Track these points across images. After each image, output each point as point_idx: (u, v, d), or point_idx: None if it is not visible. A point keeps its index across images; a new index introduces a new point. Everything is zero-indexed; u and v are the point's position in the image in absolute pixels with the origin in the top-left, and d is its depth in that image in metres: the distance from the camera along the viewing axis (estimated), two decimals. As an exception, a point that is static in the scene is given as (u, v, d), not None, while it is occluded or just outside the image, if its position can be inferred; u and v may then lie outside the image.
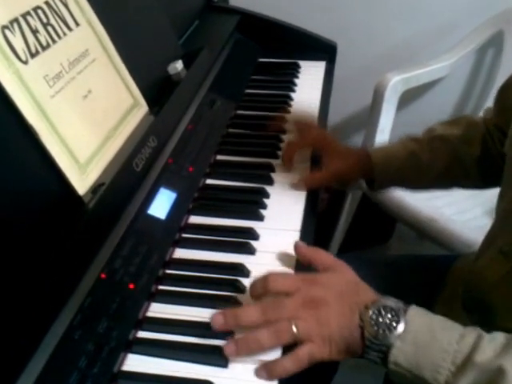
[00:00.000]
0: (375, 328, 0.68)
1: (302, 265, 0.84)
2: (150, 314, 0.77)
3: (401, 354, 0.66)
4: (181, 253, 0.88)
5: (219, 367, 0.70)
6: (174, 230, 0.90)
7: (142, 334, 0.74)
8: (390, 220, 2.00)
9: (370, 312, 0.69)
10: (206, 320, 0.74)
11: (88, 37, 0.86)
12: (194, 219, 0.95)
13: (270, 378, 0.69)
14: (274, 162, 1.10)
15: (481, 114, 1.06)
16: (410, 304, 0.70)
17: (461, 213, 1.66)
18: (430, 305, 0.98)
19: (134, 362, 0.70)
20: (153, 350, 0.71)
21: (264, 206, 0.97)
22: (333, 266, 0.77)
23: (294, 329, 0.68)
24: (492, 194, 0.94)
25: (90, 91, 0.82)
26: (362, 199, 1.91)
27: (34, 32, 0.74)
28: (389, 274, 1.06)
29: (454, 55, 1.96)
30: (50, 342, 0.63)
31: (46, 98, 0.72)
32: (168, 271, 0.84)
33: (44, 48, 0.75)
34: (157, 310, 0.78)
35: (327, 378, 1.26)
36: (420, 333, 0.67)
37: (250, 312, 0.71)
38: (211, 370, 0.69)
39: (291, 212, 0.96)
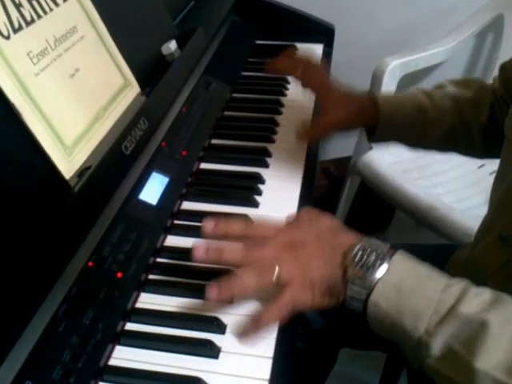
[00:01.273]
0: (358, 267, 0.66)
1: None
2: (139, 304, 0.74)
3: (382, 296, 0.65)
4: (173, 240, 0.85)
5: (210, 358, 0.67)
6: (166, 216, 0.86)
7: (130, 326, 0.70)
8: (389, 207, 1.99)
9: (355, 250, 0.68)
10: (199, 312, 0.72)
11: (76, 13, 0.82)
12: (187, 205, 0.91)
13: (257, 327, 0.68)
14: (269, 146, 1.07)
15: (490, 81, 1.03)
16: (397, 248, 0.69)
17: (461, 201, 1.64)
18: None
19: (122, 356, 0.67)
20: (141, 343, 0.68)
21: (259, 192, 0.94)
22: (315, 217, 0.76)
23: (277, 268, 0.67)
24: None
25: (77, 70, 0.78)
26: (361, 186, 1.89)
27: (18, 6, 0.69)
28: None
29: (454, 39, 1.94)
30: (31, 334, 0.60)
31: (30, 75, 0.68)
32: (159, 260, 0.81)
33: (28, 23, 0.71)
34: (146, 300, 0.74)
35: (326, 368, 1.24)
36: (404, 277, 0.65)
37: (233, 247, 0.70)
38: (201, 363, 0.66)
39: (287, 199, 0.94)
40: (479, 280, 0.80)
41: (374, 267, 0.65)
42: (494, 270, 0.79)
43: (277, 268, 0.67)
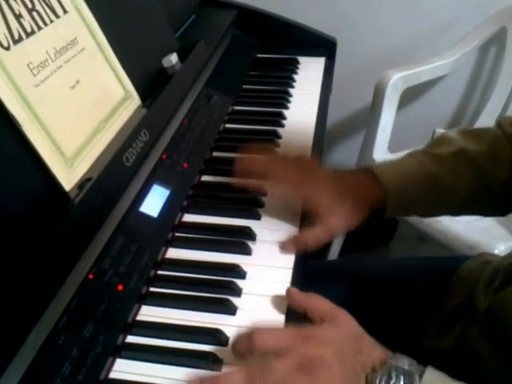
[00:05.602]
0: None
1: (299, 267, 0.81)
2: (139, 317, 0.73)
3: None
4: (174, 252, 0.84)
5: (213, 370, 0.65)
6: (167, 228, 0.86)
7: (131, 339, 0.70)
8: (392, 221, 1.98)
9: (379, 376, 0.59)
10: (200, 324, 0.71)
11: (76, 25, 0.82)
12: (189, 217, 0.91)
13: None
14: (272, 158, 1.05)
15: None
16: (424, 365, 0.61)
17: (464, 213, 1.63)
18: (438, 307, 0.93)
19: (123, 369, 0.66)
20: (143, 356, 0.67)
21: (261, 204, 0.93)
22: (331, 315, 0.66)
23: None
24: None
25: (78, 81, 0.78)
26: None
27: (18, 17, 0.70)
28: (393, 277, 1.02)
29: (456, 52, 1.95)
30: (31, 347, 0.59)
31: (30, 86, 0.68)
32: (160, 272, 0.80)
33: (28, 34, 0.71)
34: (147, 313, 0.73)
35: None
36: None
37: (232, 379, 0.59)
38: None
39: (289, 210, 0.92)
40: (507, 325, 0.76)
41: None
42: None
43: None
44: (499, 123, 0.92)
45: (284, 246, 0.84)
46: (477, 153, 0.89)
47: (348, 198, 0.87)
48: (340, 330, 0.64)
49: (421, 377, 0.59)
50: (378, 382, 0.58)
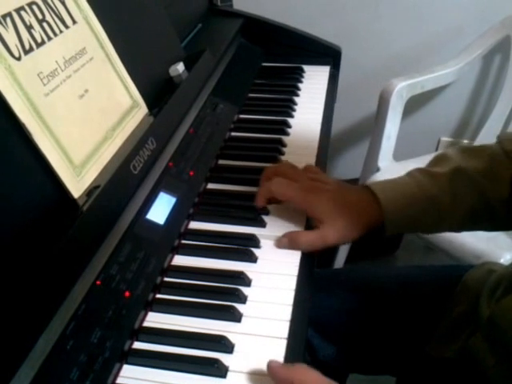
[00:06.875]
0: None
1: (304, 275, 0.82)
2: (146, 323, 0.74)
3: None
4: (180, 260, 0.85)
5: (218, 377, 0.66)
6: (174, 235, 0.86)
7: (137, 345, 0.70)
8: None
9: None
10: (205, 331, 0.71)
11: (85, 35, 0.83)
12: (195, 225, 0.92)
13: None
14: (276, 166, 1.06)
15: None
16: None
17: (469, 222, 1.62)
18: (443, 315, 0.94)
19: (129, 375, 0.67)
20: (149, 362, 0.68)
21: (266, 212, 0.94)
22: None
23: None
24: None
25: (86, 90, 0.79)
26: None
27: (29, 28, 0.71)
28: (398, 285, 1.02)
29: (461, 61, 1.95)
30: (40, 353, 0.60)
31: (40, 96, 0.69)
32: (166, 279, 0.81)
33: (38, 45, 0.72)
34: (154, 319, 0.74)
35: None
36: None
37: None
38: (209, 382, 0.66)
39: (294, 218, 0.93)
40: (506, 334, 0.77)
41: None
42: None
43: None
44: (499, 139, 0.91)
45: (279, 240, 0.88)
46: (475, 170, 0.89)
47: (346, 212, 0.88)
48: None
49: None
50: None
